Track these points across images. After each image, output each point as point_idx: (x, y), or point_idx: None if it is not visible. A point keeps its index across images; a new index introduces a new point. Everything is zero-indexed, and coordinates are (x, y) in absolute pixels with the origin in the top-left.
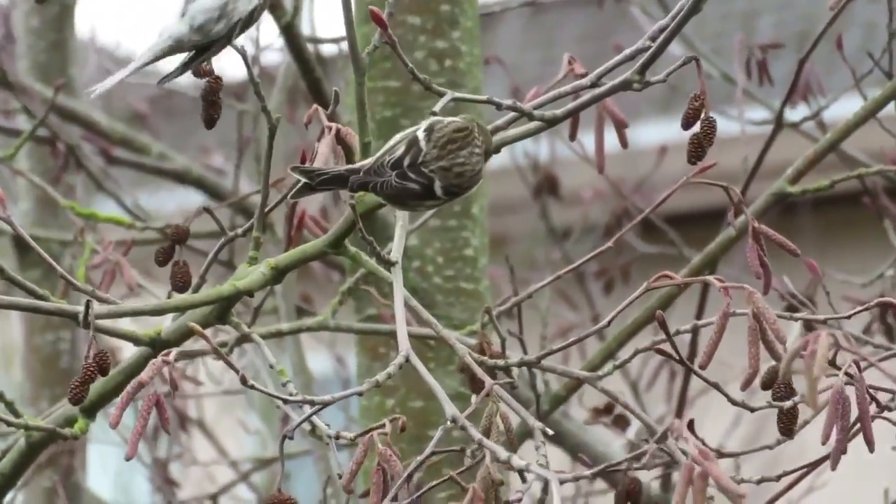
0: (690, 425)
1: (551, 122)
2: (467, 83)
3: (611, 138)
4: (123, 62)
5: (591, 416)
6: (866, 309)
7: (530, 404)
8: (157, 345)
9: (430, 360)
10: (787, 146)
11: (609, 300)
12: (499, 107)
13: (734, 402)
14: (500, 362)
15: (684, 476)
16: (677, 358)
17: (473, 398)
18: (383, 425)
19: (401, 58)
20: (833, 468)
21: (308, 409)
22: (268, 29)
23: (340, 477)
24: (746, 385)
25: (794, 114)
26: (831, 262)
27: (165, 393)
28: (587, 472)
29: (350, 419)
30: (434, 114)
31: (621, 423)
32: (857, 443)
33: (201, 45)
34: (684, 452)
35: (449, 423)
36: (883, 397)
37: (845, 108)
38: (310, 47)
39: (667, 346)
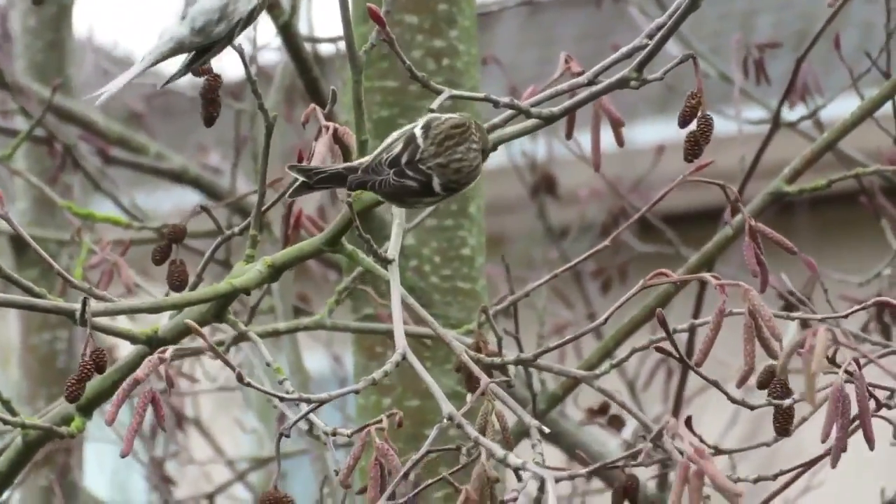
0: (688, 422)
1: (548, 120)
2: (465, 82)
3: (607, 137)
4: (120, 62)
5: (587, 417)
6: (863, 308)
7: (527, 403)
8: (153, 343)
9: (426, 360)
10: (784, 146)
11: (606, 299)
12: (496, 104)
13: (734, 401)
14: (497, 360)
15: (680, 475)
16: (677, 356)
17: (469, 397)
18: (380, 421)
19: (398, 55)
20: (833, 465)
21: (304, 408)
22: (265, 28)
23: (337, 473)
24: (742, 382)
25: (792, 113)
26: (828, 261)
27: (161, 390)
28: (583, 471)
29: (347, 418)
30: (431, 111)
31: (616, 424)
32: (854, 441)
33: (202, 47)
34: (680, 451)
35: (445, 420)
36: (880, 395)
37: (842, 107)
38: (307, 47)
39: (665, 345)
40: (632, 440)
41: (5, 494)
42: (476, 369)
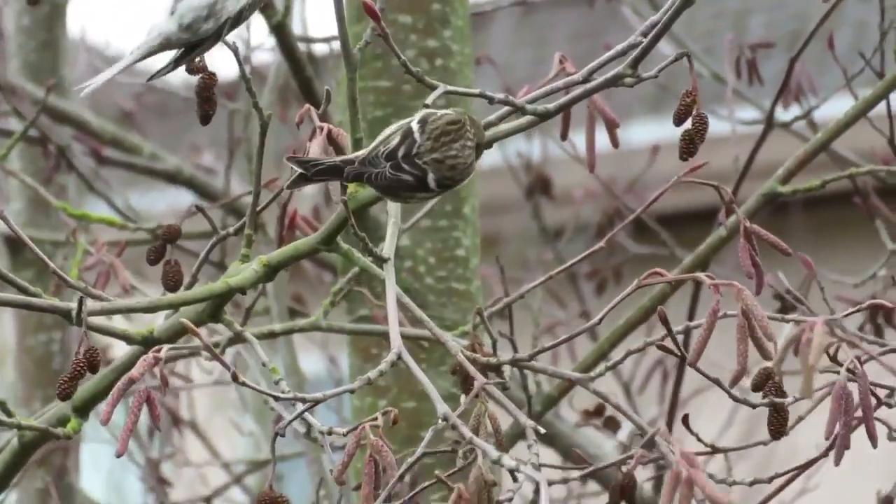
0: (685, 420)
1: (543, 117)
2: (458, 82)
3: (602, 138)
4: (113, 61)
5: (582, 419)
6: (858, 311)
7: (522, 405)
8: (149, 343)
9: (422, 361)
10: (777, 146)
11: (601, 300)
12: (491, 101)
13: (735, 399)
14: (493, 360)
15: (670, 483)
16: (678, 354)
17: (463, 398)
18: (375, 419)
19: (394, 50)
20: (837, 463)
21: (300, 408)
22: (258, 28)
23: (332, 472)
24: (734, 382)
25: (785, 113)
26: (824, 262)
27: (155, 387)
28: (577, 474)
29: (343, 420)
30: (426, 107)
31: (612, 425)
32: (851, 442)
33: (190, 44)
34: (674, 455)
35: (440, 421)
36: (880, 394)
37: (836, 107)
38: (301, 46)
39: (662, 346)
40: (627, 442)
41: (1, 496)
42: (472, 369)
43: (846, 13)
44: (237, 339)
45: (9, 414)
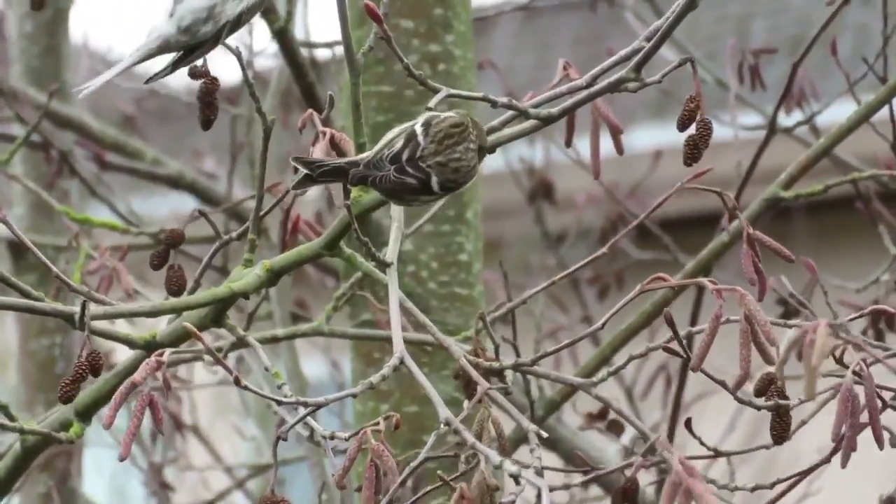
0: (688, 424)
1: (547, 121)
2: (461, 87)
3: (605, 143)
4: (110, 64)
5: (586, 422)
6: (860, 316)
7: (525, 410)
8: (152, 348)
9: (424, 366)
10: (780, 151)
11: (603, 306)
12: (494, 105)
13: (740, 401)
14: (495, 365)
15: (668, 491)
16: (683, 355)
17: (466, 403)
18: (377, 423)
19: (397, 54)
20: (843, 465)
21: (302, 412)
22: (260, 34)
23: (334, 476)
24: (738, 387)
25: (788, 119)
26: (826, 266)
27: (157, 387)
28: (579, 480)
29: (345, 425)
30: (429, 110)
31: (615, 429)
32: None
33: (189, 46)
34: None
35: (442, 426)
36: (884, 396)
37: (839, 112)
38: (303, 52)
39: (668, 347)
40: (631, 445)
41: (4, 500)
42: (475, 374)
43: (848, 18)
44: (240, 343)
45: (11, 418)
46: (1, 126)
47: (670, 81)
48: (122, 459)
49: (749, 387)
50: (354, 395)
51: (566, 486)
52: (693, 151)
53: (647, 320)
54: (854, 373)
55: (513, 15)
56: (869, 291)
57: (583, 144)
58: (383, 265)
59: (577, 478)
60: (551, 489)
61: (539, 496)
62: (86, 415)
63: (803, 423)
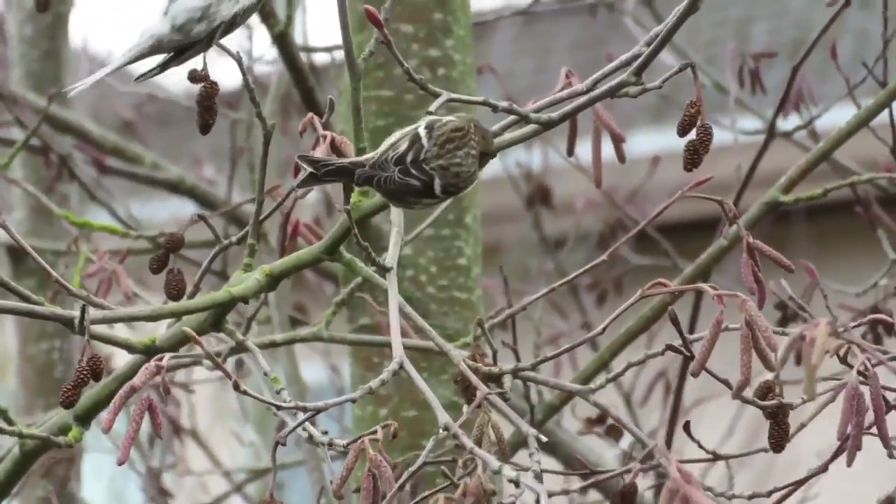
0: (686, 427)
1: (547, 125)
2: (460, 92)
3: (604, 147)
4: (116, 70)
5: (585, 426)
6: (859, 325)
7: (524, 415)
8: (151, 352)
9: (423, 370)
10: (779, 155)
11: (602, 312)
12: (495, 109)
13: (745, 400)
14: (495, 370)
15: (665, 499)
16: (687, 354)
17: (465, 408)
18: (375, 432)
19: (397, 58)
20: (849, 464)
21: (301, 417)
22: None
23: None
24: (738, 392)
25: (787, 123)
26: (826, 271)
27: (158, 385)
28: (577, 486)
29: (344, 429)
30: (430, 114)
31: (615, 433)
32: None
33: (181, 46)
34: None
35: (441, 431)
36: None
37: (838, 116)
38: (302, 56)
39: (673, 347)
40: (629, 450)
41: None
42: (474, 379)
43: (848, 22)
44: (239, 348)
45: (10, 422)
46: (0, 130)
47: (669, 86)
48: (120, 463)
49: (748, 393)
50: (353, 401)
51: (565, 492)
52: (693, 157)
53: (646, 324)
54: (858, 372)
55: (512, 20)
56: (868, 296)
57: (581, 149)
58: (383, 270)
59: (576, 482)
60: (550, 494)
61: (538, 501)
62: (85, 419)
63: (802, 425)
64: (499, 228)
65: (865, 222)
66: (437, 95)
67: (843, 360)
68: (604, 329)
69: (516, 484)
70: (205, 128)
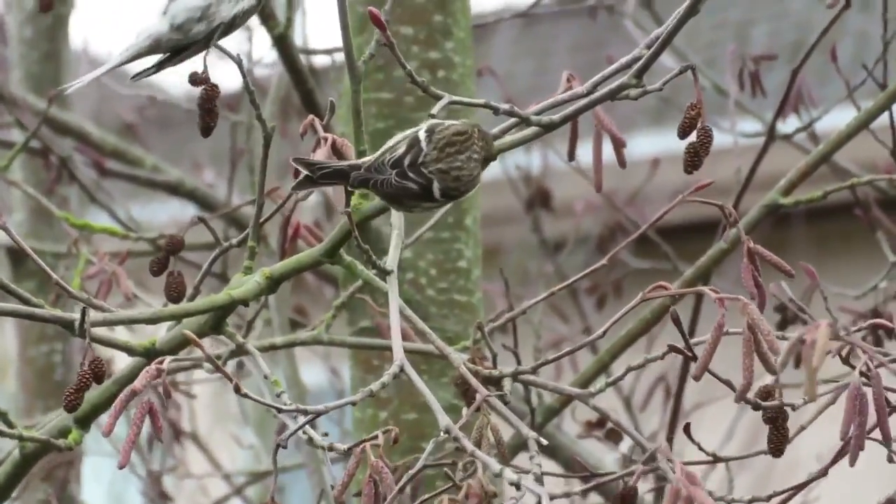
0: (687, 430)
1: (548, 128)
2: (460, 94)
3: (603, 150)
4: (114, 72)
5: (584, 430)
6: (860, 330)
7: (524, 417)
8: (151, 355)
9: (423, 373)
10: (779, 158)
11: (601, 315)
12: (496, 111)
13: (747, 401)
14: (495, 373)
15: (669, 499)
16: (690, 354)
17: (464, 411)
18: (376, 437)
19: (399, 60)
20: (852, 464)
21: (301, 420)
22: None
23: (334, 489)
24: (741, 396)
25: (787, 125)
26: (826, 273)
27: (160, 385)
28: (578, 488)
29: (344, 432)
30: (432, 116)
31: (614, 437)
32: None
33: (179, 46)
34: (674, 472)
35: (442, 434)
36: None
37: (838, 119)
38: (302, 58)
39: (675, 347)
40: (629, 453)
41: None
42: (475, 382)
43: (848, 24)
44: (239, 351)
45: (10, 425)
46: (0, 132)
47: (669, 88)
48: (121, 467)
49: (749, 396)
50: (354, 403)
51: (567, 495)
52: (693, 159)
53: (646, 327)
54: (861, 373)
55: (512, 22)
56: (868, 298)
57: (580, 151)
58: (384, 273)
59: (577, 485)
60: (552, 497)
61: (540, 500)
62: (84, 422)
63: (802, 428)
64: (498, 231)
65: (865, 225)
66: (438, 98)
67: (846, 361)
68: (604, 332)
69: (517, 486)
70: (206, 130)
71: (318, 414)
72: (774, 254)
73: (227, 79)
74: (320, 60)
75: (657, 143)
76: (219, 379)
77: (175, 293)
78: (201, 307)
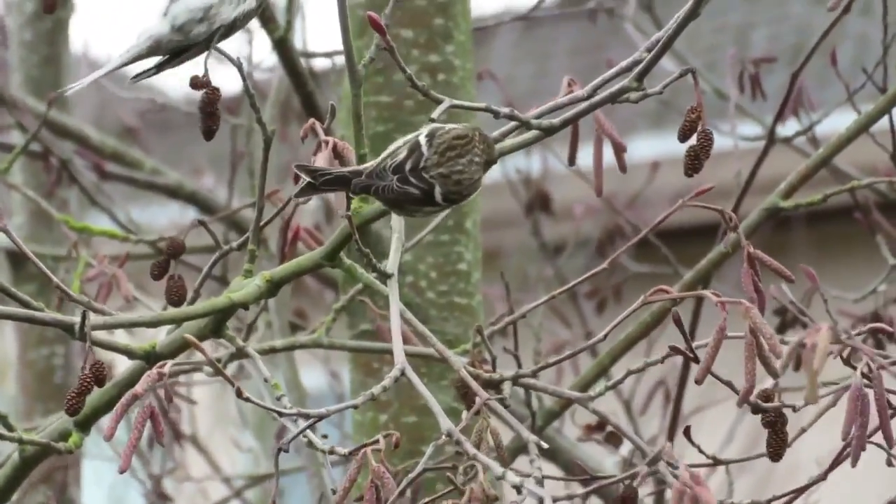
0: (687, 433)
1: (549, 132)
2: (460, 97)
3: (603, 153)
4: (115, 75)
5: (584, 433)
6: (860, 334)
7: (524, 420)
8: (151, 358)
9: (423, 376)
10: (779, 161)
11: (601, 319)
12: (496, 115)
13: (748, 403)
14: (496, 376)
15: (675, 499)
16: (692, 356)
17: (464, 414)
18: (377, 441)
19: (399, 65)
20: (853, 465)
21: (302, 423)
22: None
23: (335, 493)
24: (744, 399)
25: (787, 129)
26: (826, 276)
27: (162, 386)
28: (581, 491)
29: (344, 435)
30: (432, 121)
31: (614, 440)
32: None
33: (180, 47)
34: (675, 476)
35: (444, 437)
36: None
37: (838, 122)
38: (302, 61)
39: (676, 348)
40: (629, 457)
41: None
42: (475, 385)
43: (848, 28)
44: (239, 354)
45: (10, 428)
46: (0, 135)
47: (669, 91)
48: (122, 471)
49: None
50: (356, 407)
51: (569, 497)
52: (694, 162)
53: (646, 330)
54: (862, 374)
55: (512, 25)
56: (867, 301)
57: (580, 154)
58: (384, 276)
59: (578, 488)
60: (554, 500)
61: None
62: (84, 425)
63: (803, 430)
64: (498, 234)
65: (865, 228)
66: (439, 102)
67: (847, 362)
68: (605, 336)
69: (519, 490)
70: (208, 133)
71: (320, 418)
72: (774, 257)
73: (227, 82)
74: (320, 63)
75: (657, 146)
76: (219, 382)
77: (176, 297)
78: (201, 311)
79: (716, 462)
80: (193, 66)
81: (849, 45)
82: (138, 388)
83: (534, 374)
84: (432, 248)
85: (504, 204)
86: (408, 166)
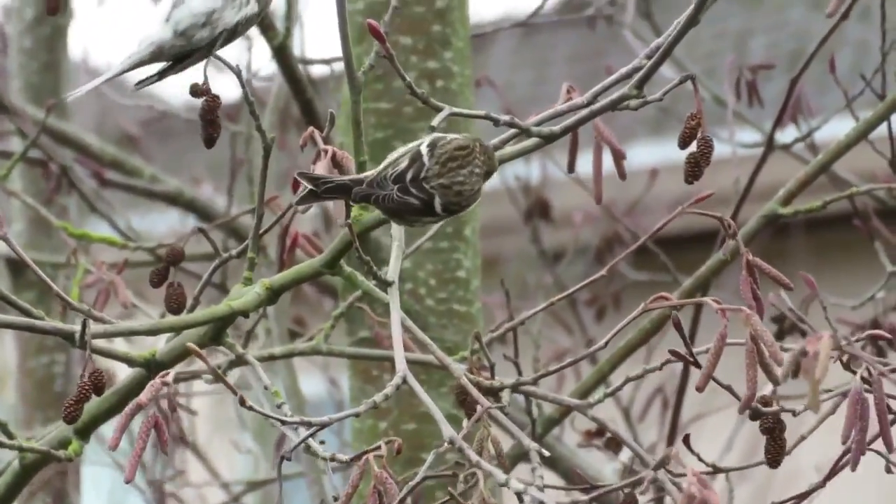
0: (686, 441)
1: (548, 139)
2: (459, 104)
3: (602, 160)
4: (115, 83)
5: (584, 439)
6: (859, 340)
7: (524, 428)
8: (151, 366)
9: (422, 383)
10: (778, 168)
11: (601, 326)
12: (496, 122)
13: (749, 407)
14: (496, 384)
15: (683, 503)
16: (692, 360)
17: (465, 422)
18: (378, 447)
19: (398, 72)
20: (853, 469)
21: (303, 431)
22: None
23: (336, 499)
24: (745, 406)
25: (786, 135)
26: (825, 283)
27: (164, 396)
28: (582, 498)
29: (344, 443)
30: (432, 128)
31: (614, 446)
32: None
33: (182, 53)
34: (677, 485)
35: (446, 444)
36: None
37: (836, 129)
38: (301, 68)
39: (677, 353)
40: (629, 463)
41: None
42: (475, 392)
43: (847, 34)
44: (238, 361)
45: (10, 436)
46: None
47: (668, 98)
48: (127, 481)
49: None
50: (357, 415)
51: (572, 503)
52: (694, 169)
53: (646, 337)
54: (862, 379)
55: (511, 32)
56: (865, 308)
57: (579, 161)
58: (384, 284)
59: (579, 495)
60: None
61: None
62: (84, 432)
63: (803, 437)
64: (497, 241)
65: (864, 235)
66: (438, 110)
67: (847, 367)
68: (606, 343)
69: (520, 498)
70: (209, 141)
71: (323, 426)
72: (773, 264)
73: (226, 89)
74: (319, 70)
75: (656, 153)
76: (216, 391)
77: (175, 304)
78: (201, 318)
79: (715, 470)
80: (194, 73)
81: (847, 51)
82: (142, 397)
83: (534, 382)
84: (431, 256)
85: (503, 211)
86: (409, 176)
